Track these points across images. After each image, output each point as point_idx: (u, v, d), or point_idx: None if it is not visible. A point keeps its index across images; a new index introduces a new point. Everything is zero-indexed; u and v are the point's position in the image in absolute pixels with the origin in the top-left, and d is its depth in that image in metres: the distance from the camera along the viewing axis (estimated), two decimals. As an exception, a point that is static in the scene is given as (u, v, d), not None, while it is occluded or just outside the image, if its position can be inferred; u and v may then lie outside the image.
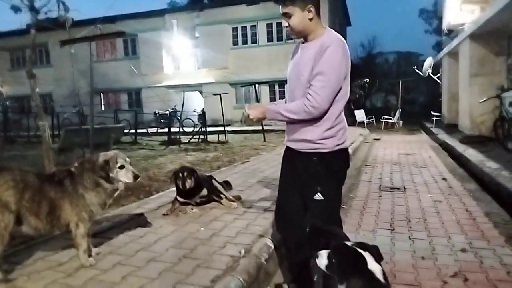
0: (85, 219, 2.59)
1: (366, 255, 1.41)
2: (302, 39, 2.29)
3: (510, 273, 2.89)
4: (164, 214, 3.68)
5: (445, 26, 15.56)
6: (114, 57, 24.68)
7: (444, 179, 6.30)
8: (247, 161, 7.07)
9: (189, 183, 3.75)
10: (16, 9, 6.80)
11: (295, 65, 2.28)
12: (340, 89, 2.16)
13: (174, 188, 4.07)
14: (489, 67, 10.67)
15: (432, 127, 16.02)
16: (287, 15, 2.17)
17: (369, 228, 3.95)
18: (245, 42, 22.39)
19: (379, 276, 1.36)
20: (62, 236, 2.72)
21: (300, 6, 2.13)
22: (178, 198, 3.86)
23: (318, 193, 2.21)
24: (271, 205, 3.93)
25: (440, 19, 20.70)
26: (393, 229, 3.89)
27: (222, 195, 3.96)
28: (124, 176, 2.61)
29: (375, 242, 3.51)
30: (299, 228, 2.25)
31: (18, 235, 2.64)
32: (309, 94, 2.10)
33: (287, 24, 2.19)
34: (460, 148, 9.00)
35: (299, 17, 2.15)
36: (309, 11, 2.15)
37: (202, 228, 3.22)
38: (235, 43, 22.47)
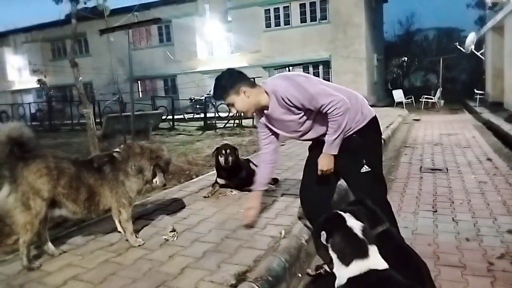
0: (125, 205, 2.68)
1: (347, 215, 1.63)
2: (262, 111, 2.54)
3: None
4: (205, 197, 3.78)
5: (489, -1, 14.67)
6: (150, 44, 25.10)
7: (489, 159, 6.06)
8: (283, 144, 7.08)
9: (231, 159, 3.84)
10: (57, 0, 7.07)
11: (283, 124, 2.52)
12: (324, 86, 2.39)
13: (214, 171, 4.16)
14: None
15: (475, 106, 15.31)
16: (231, 105, 2.46)
17: (410, 210, 3.89)
18: (277, 24, 22.10)
19: (357, 231, 1.57)
20: (111, 217, 2.86)
21: (235, 93, 2.41)
22: (218, 180, 3.95)
23: (365, 166, 2.39)
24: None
25: (484, -9, 19.53)
26: (436, 211, 3.82)
27: (260, 178, 4.01)
28: (159, 180, 2.80)
29: (417, 224, 3.50)
30: (326, 208, 2.38)
31: (64, 218, 2.81)
32: (327, 107, 2.30)
33: (235, 111, 2.50)
34: (506, 127, 8.58)
35: (240, 101, 2.43)
36: (244, 92, 2.41)
37: (242, 210, 3.30)
38: (268, 25, 22.23)
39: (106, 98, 19.65)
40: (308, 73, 21.45)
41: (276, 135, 2.70)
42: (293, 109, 2.37)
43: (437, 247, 3.00)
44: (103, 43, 22.82)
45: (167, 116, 15.30)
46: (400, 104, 18.00)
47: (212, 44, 23.92)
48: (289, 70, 14.30)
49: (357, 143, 2.40)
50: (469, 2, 31.08)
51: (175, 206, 3.58)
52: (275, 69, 21.09)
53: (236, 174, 3.92)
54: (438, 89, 19.19)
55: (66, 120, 18.72)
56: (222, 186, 3.94)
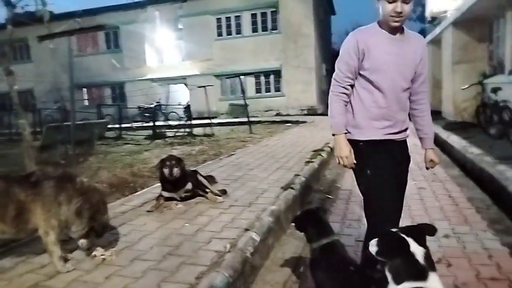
0: (55, 227, 2.46)
1: (409, 239, 1.61)
2: (374, 28, 2.23)
3: (492, 257, 2.94)
4: (148, 211, 3.64)
5: (428, 13, 15.63)
6: (96, 50, 24.23)
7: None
8: (233, 154, 7.04)
9: (176, 171, 3.72)
10: (-7, 5, 6.60)
11: (396, 56, 2.18)
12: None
13: (159, 184, 4.03)
14: (471, 54, 10.79)
15: (416, 114, 16.15)
16: (406, 1, 2.06)
17: (354, 218, 3.98)
18: (229, 33, 22.19)
19: (419, 258, 1.57)
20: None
21: None
22: (163, 193, 3.82)
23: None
24: (256, 198, 3.93)
25: (423, 6, 20.82)
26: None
27: (207, 190, 3.93)
28: (85, 244, 2.58)
29: (360, 231, 3.56)
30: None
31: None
32: (424, 96, 2.36)
33: (400, 10, 2.05)
34: (444, 134, 9.11)
35: (411, 5, 2.10)
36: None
37: (187, 224, 3.20)
38: (220, 34, 22.25)
39: (48, 106, 18.65)
40: (260, 82, 21.81)
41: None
42: (415, 62, 2.24)
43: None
44: (46, 49, 21.66)
45: (114, 125, 14.77)
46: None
47: (162, 51, 23.53)
48: (240, 79, 14.30)
49: (407, 152, 2.40)
50: (411, 16, 32.97)
51: (115, 222, 3.40)
52: (226, 78, 21.11)
53: (181, 186, 3.82)
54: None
55: (3, 129, 17.51)
56: (167, 199, 3.81)
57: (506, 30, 8.58)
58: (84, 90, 24.56)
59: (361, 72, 2.22)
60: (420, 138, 2.44)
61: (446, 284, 2.52)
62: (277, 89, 21.61)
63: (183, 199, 3.84)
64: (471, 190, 4.81)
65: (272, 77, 21.63)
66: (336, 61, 2.28)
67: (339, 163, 2.29)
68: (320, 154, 6.65)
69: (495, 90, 7.65)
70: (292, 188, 4.30)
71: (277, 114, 20.46)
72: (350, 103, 2.28)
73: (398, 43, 2.19)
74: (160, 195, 3.82)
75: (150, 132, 13.53)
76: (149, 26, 22.51)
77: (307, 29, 20.73)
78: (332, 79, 2.29)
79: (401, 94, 2.21)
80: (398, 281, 1.58)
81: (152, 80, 22.68)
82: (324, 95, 23.27)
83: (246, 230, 2.98)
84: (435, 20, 15.14)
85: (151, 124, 14.91)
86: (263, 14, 21.50)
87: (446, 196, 4.58)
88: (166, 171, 3.75)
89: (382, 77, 2.17)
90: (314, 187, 5.16)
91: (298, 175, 4.94)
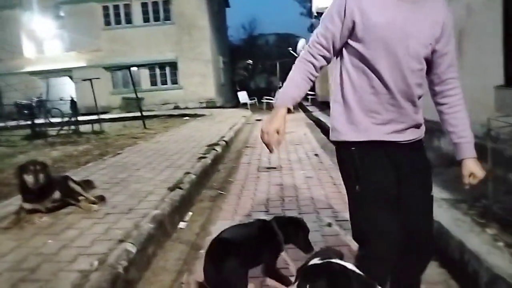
0: None
1: None
2: None
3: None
4: (4, 228, 3.08)
5: (314, 9, 16.47)
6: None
7: (316, 155, 6.65)
8: (119, 153, 6.52)
9: (41, 178, 3.22)
10: None
11: (403, 23, 1.57)
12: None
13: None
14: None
15: (308, 105, 17.06)
16: None
17: (245, 213, 3.90)
18: (118, 22, 20.84)
19: None
20: None
21: None
22: (24, 205, 3.27)
23: (432, 188, 1.75)
24: (138, 203, 3.61)
25: (311, 1, 21.95)
26: (268, 211, 3.91)
27: (80, 197, 3.49)
28: None
29: (249, 228, 3.48)
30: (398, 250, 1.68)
31: None
32: (454, 85, 1.72)
33: None
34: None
35: None
36: None
37: (50, 240, 2.76)
38: (108, 23, 20.78)
39: None
40: (155, 74, 20.95)
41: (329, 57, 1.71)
42: (436, 31, 1.62)
43: (265, 250, 3.00)
44: None
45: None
46: (244, 105, 18.89)
47: (41, 41, 21.17)
48: (130, 71, 13.46)
49: (426, 157, 1.79)
50: (302, 11, 34.69)
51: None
52: (117, 70, 19.84)
53: (47, 195, 3.32)
54: (277, 91, 20.82)
55: None
56: (29, 211, 3.28)
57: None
58: None
59: (352, 44, 1.62)
60: (455, 144, 1.75)
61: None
62: (174, 82, 21.01)
63: (50, 210, 3.34)
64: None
65: (168, 69, 20.93)
66: None
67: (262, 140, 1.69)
68: (214, 149, 6.50)
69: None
70: (180, 188, 4.06)
71: (175, 108, 19.90)
72: (341, 91, 1.69)
73: (408, 4, 1.58)
74: (21, 208, 3.27)
75: (28, 131, 12.02)
76: (24, 13, 20.05)
77: (201, 21, 20.43)
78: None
79: (409, 79, 1.59)
80: None
81: (31, 73, 20.30)
82: (222, 87, 23.29)
83: (121, 241, 2.67)
84: (321, 15, 15.99)
85: (30, 122, 13.26)
86: (155, 4, 20.62)
87: (331, 184, 4.77)
88: (27, 178, 3.22)
89: (382, 52, 1.57)
90: (206, 184, 4.99)
91: (189, 173, 4.71)
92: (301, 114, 15.48)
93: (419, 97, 1.67)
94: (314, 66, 1.67)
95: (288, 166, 5.91)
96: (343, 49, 1.67)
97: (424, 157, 1.77)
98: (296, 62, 1.73)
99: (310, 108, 15.61)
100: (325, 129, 9.59)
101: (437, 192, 3.56)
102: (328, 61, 1.69)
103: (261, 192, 4.56)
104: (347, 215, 3.54)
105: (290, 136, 9.17)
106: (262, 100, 19.78)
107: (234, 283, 1.98)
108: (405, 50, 1.56)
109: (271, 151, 1.67)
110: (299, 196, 4.33)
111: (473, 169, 1.70)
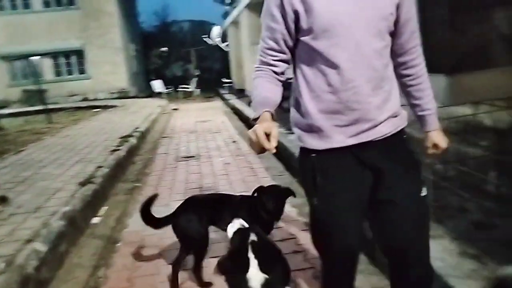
0: None
1: None
2: None
3: (282, 219, 3.28)
4: None
5: (227, -5, 16.53)
6: None
7: (234, 141, 6.79)
8: (22, 150, 6.02)
9: None
10: None
11: (354, 4, 1.31)
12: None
13: None
14: (265, 35, 11.91)
15: (225, 93, 17.17)
16: None
17: (163, 203, 3.88)
18: (14, 7, 18.82)
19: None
20: None
21: None
22: None
23: (423, 187, 1.46)
24: (46, 200, 3.41)
25: (223, -11, 21.94)
26: (186, 199, 3.93)
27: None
28: None
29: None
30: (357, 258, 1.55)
31: None
32: (417, 54, 1.49)
33: None
34: (248, 111, 9.88)
35: None
36: None
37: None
38: (1, 8, 18.65)
39: None
40: (59, 64, 19.39)
41: (287, 59, 1.46)
42: (386, 7, 1.34)
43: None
44: None
45: None
46: (160, 94, 18.40)
47: None
48: (28, 62, 12.31)
49: (410, 152, 1.50)
50: (215, -2, 34.43)
51: None
52: (15, 60, 18.04)
53: None
54: (194, 79, 20.61)
55: None
56: None
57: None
58: None
59: (301, 38, 1.37)
60: (418, 117, 1.57)
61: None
62: (82, 71, 19.64)
63: None
64: (268, 160, 5.28)
65: (73, 58, 19.48)
66: None
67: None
68: (128, 141, 6.31)
69: (284, 68, 8.70)
70: (92, 182, 3.90)
71: (84, 99, 18.66)
72: (297, 93, 1.44)
73: None
74: None
75: None
76: None
77: (109, 6, 19.29)
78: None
79: (374, 61, 1.33)
80: None
81: None
82: (135, 76, 22.36)
83: (29, 241, 2.53)
84: (234, 2, 16.10)
85: None
86: (56, -14, 18.96)
87: (248, 168, 4.94)
88: None
89: (336, 40, 1.30)
90: (121, 177, 4.84)
91: (101, 166, 4.54)
92: (218, 102, 15.54)
93: (390, 78, 1.42)
94: (275, 72, 1.44)
95: (207, 154, 5.97)
96: (294, 46, 1.43)
97: (407, 152, 1.47)
98: (253, 77, 1.48)
99: (227, 96, 15.72)
100: (242, 117, 9.79)
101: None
102: (288, 62, 1.46)
103: (179, 182, 4.57)
104: (262, 197, 3.75)
105: (208, 124, 9.22)
106: (178, 89, 19.43)
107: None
108: (363, 30, 1.30)
109: (257, 153, 1.32)
110: (218, 183, 4.42)
111: (436, 140, 1.56)
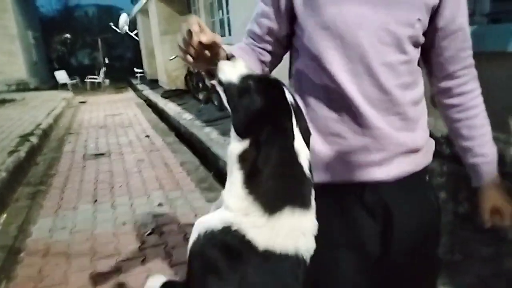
0: None
1: None
2: None
3: (197, 215, 3.34)
4: None
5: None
6: None
7: (147, 136, 6.63)
8: None
9: None
10: None
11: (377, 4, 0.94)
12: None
13: None
14: (176, 25, 11.63)
15: (137, 84, 16.53)
16: None
17: (70, 206, 3.72)
18: None
19: None
20: None
21: None
22: None
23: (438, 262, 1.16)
24: None
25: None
26: (96, 201, 3.81)
27: None
28: None
29: (76, 220, 3.36)
30: None
31: None
32: (468, 77, 1.06)
33: None
34: (162, 103, 9.67)
35: None
36: None
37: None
38: None
39: None
40: None
41: (278, 53, 1.13)
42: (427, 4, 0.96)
43: (95, 240, 2.97)
44: None
45: None
46: (65, 86, 17.10)
47: None
48: None
49: (433, 199, 1.13)
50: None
51: None
52: None
53: None
54: (102, 69, 19.47)
55: None
56: None
57: (199, 4, 9.65)
58: None
59: (297, 35, 1.05)
60: (469, 166, 1.12)
61: (157, 253, 2.72)
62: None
63: None
64: (184, 154, 5.29)
65: (-42, 47, 17.16)
66: None
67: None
68: (29, 140, 5.83)
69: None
70: (-14, 189, 3.58)
71: (-26, 93, 16.61)
72: None
73: None
74: None
75: None
76: None
77: (-1, -12, 17.28)
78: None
79: (385, 80, 0.97)
80: None
81: None
82: (36, 66, 20.43)
83: None
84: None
85: None
86: None
87: (162, 164, 4.89)
88: None
89: (335, 46, 0.96)
90: (21, 181, 4.49)
91: (-2, 170, 4.16)
92: (130, 94, 14.93)
93: (415, 103, 1.03)
94: (258, 53, 1.11)
95: (118, 150, 5.76)
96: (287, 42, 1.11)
97: (427, 203, 1.10)
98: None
99: (139, 87, 15.15)
100: (156, 109, 9.55)
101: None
102: (273, 54, 1.12)
103: (88, 182, 4.38)
104: (177, 194, 3.77)
105: (119, 118, 8.85)
106: (86, 80, 18.22)
107: None
108: (373, 35, 0.94)
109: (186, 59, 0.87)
110: (130, 181, 4.33)
111: (496, 201, 1.08)
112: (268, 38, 1.09)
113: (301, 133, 0.80)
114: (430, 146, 1.10)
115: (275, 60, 1.14)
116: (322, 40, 0.97)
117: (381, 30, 0.94)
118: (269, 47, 1.11)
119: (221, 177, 4.09)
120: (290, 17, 1.04)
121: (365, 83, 0.97)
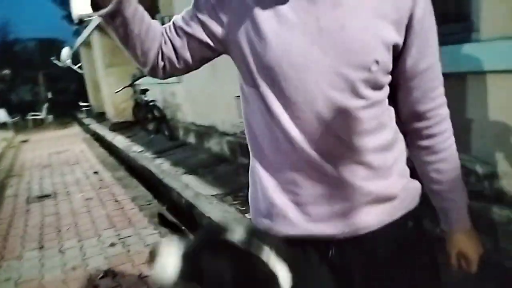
0: None
1: None
2: None
3: (152, 252, 3.27)
4: None
5: (74, 16, 15.45)
6: None
7: (95, 172, 6.41)
8: None
9: None
10: None
11: (314, 32, 0.81)
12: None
13: None
14: (121, 57, 11.49)
15: (83, 118, 16.02)
16: None
17: (15, 255, 3.50)
18: None
19: None
20: None
21: None
22: None
23: None
24: None
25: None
26: (42, 247, 3.61)
27: None
28: None
29: (21, 270, 3.17)
30: None
31: None
32: (438, 119, 0.94)
33: None
34: (110, 136, 9.43)
35: None
36: None
37: None
38: None
39: None
40: None
41: (201, 52, 0.94)
42: (383, 35, 0.82)
43: (43, 289, 2.82)
44: None
45: None
46: (4, 125, 16.19)
47: None
48: None
49: (422, 248, 1.02)
50: (64, 13, 31.74)
51: None
52: None
53: None
54: (45, 104, 18.71)
55: None
56: None
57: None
58: None
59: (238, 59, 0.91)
60: (439, 211, 1.05)
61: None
62: None
63: None
64: (135, 189, 5.16)
65: None
66: None
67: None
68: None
69: (144, 91, 8.53)
70: None
71: None
72: (250, 150, 0.99)
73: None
74: None
75: None
76: None
77: None
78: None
79: (339, 128, 0.85)
80: None
81: None
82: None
83: None
84: (84, 22, 15.16)
85: None
86: None
87: (113, 201, 4.74)
88: None
89: (279, 89, 0.85)
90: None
91: None
92: (76, 129, 14.41)
93: (383, 149, 0.90)
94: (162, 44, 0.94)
95: (64, 190, 5.51)
96: (240, 73, 0.94)
97: (410, 259, 0.95)
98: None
99: (86, 121, 14.67)
100: (104, 143, 9.29)
101: (209, 190, 4.07)
102: (175, 50, 0.94)
103: (33, 227, 4.15)
104: (129, 231, 3.68)
105: (64, 155, 8.51)
106: (28, 117, 17.37)
107: None
108: (322, 80, 0.82)
109: None
110: (79, 222, 4.15)
111: (463, 247, 1.01)
112: (183, 30, 0.93)
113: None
114: (412, 191, 0.97)
115: (169, 54, 0.94)
116: (263, 81, 0.86)
117: (331, 74, 0.81)
118: (177, 41, 0.93)
119: (175, 209, 4.06)
120: (219, 42, 0.91)
121: (315, 133, 0.84)
